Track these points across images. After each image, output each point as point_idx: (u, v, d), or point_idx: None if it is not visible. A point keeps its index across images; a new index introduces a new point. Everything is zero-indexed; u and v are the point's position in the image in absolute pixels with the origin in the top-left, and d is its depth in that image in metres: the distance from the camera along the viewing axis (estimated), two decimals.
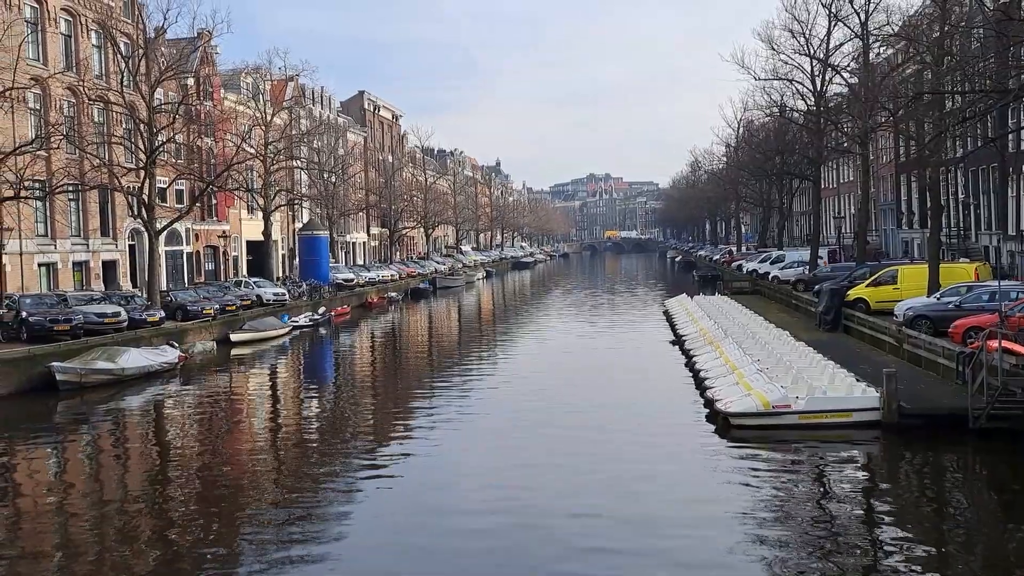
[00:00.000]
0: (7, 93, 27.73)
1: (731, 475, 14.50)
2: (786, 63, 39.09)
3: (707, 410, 18.81)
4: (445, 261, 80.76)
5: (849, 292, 28.61)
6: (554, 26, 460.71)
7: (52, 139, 30.67)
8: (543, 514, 12.89)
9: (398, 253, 77.54)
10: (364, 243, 72.97)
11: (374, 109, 78.94)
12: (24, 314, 25.83)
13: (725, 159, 72.51)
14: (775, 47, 38.40)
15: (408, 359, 33.08)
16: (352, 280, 52.40)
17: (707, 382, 20.60)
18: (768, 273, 45.09)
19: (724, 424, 17.37)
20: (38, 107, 33.26)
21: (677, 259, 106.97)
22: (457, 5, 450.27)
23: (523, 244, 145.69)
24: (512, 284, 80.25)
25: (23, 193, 28.00)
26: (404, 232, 77.49)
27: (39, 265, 33.20)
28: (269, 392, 26.16)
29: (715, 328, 28.37)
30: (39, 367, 23.50)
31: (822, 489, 14.28)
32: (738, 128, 63.81)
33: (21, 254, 31.67)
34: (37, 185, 31.01)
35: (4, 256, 29.46)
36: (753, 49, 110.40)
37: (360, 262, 68.15)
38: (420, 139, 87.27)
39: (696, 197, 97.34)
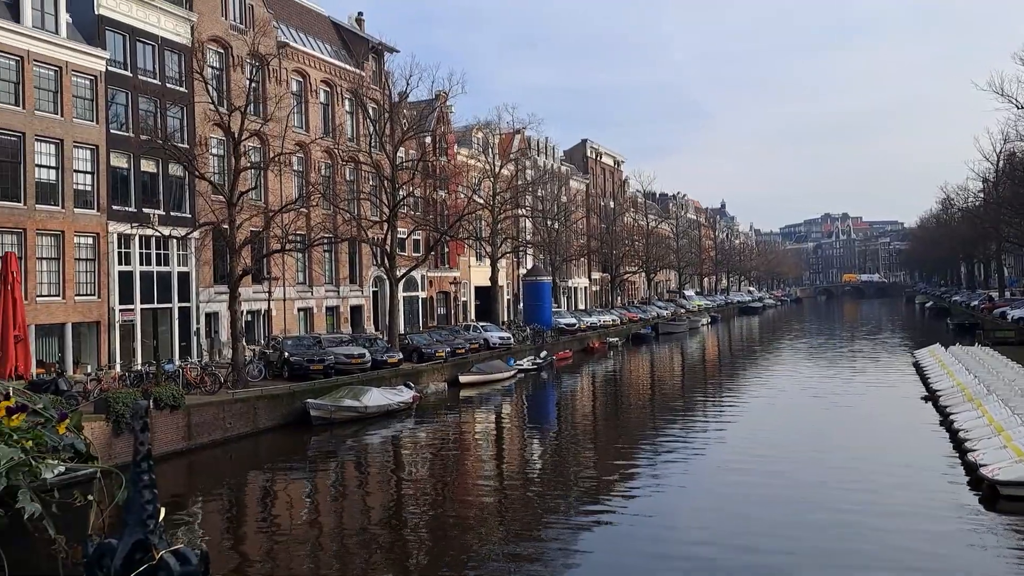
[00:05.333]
0: (277, 158, 31.50)
1: (1002, 554, 12.72)
2: None
3: (968, 476, 16.73)
4: (667, 306, 79.61)
5: None
6: (780, 62, 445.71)
7: (312, 197, 34.36)
8: None
9: (619, 298, 77.64)
10: (585, 288, 73.92)
11: (596, 156, 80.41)
12: (286, 354, 28.84)
13: (982, 195, 65.42)
14: None
15: (629, 404, 32.75)
16: (574, 325, 53.14)
17: (968, 444, 18.35)
18: None
19: (990, 493, 15.32)
20: (301, 169, 37.46)
21: (927, 305, 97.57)
22: (680, 48, 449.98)
23: (751, 288, 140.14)
24: (739, 330, 77.25)
25: (287, 246, 31.49)
26: (625, 277, 77.57)
27: (299, 309, 37.07)
28: (495, 432, 27.00)
29: (975, 383, 25.35)
30: (297, 403, 26.03)
31: None
32: (998, 161, 57.51)
33: (284, 300, 35.58)
34: (298, 238, 34.77)
35: (271, 302, 33.20)
36: (1014, 74, 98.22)
37: (581, 307, 69.06)
38: (642, 183, 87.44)
39: (948, 237, 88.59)
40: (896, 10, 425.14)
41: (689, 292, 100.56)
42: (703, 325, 77.50)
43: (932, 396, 27.00)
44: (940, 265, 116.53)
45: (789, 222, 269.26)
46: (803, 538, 13.82)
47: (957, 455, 18.65)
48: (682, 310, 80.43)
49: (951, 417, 22.19)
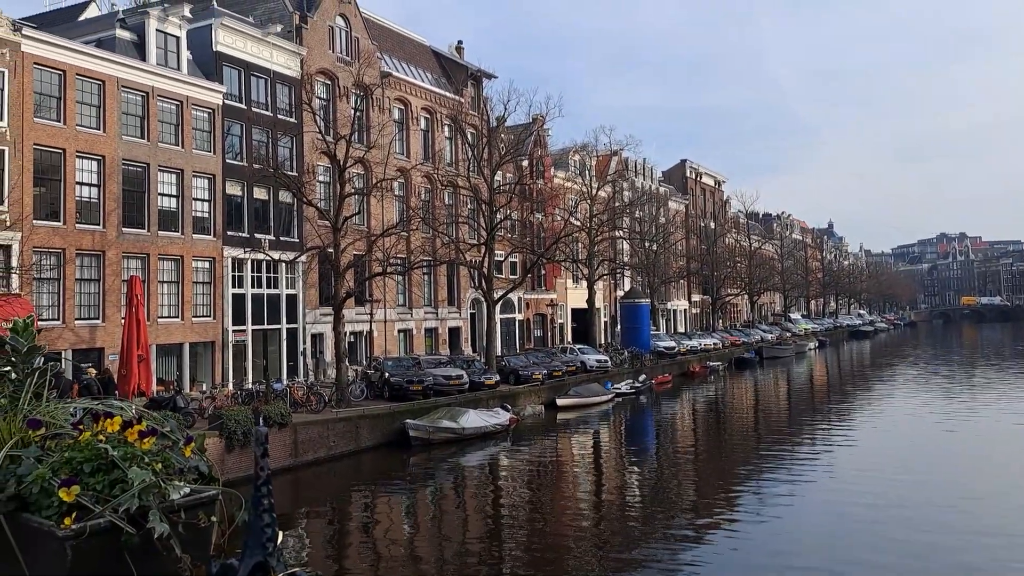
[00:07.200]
0: (379, 184, 32.43)
1: None
2: None
3: None
4: (772, 330, 77.11)
5: None
6: (890, 77, 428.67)
7: (412, 221, 35.18)
8: None
9: (721, 321, 75.83)
10: (685, 310, 72.57)
11: (696, 176, 79.19)
12: (387, 375, 29.48)
13: None
14: None
15: (732, 431, 31.82)
16: (673, 348, 52.19)
17: None
18: None
19: None
20: (401, 194, 38.44)
21: None
22: (784, 66, 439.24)
23: (861, 311, 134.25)
24: (849, 355, 74.08)
25: (389, 269, 32.28)
26: (727, 299, 75.77)
27: (399, 331, 37.88)
28: (593, 457, 26.73)
29: None
30: (397, 423, 26.53)
31: None
32: None
33: (385, 322, 36.45)
34: (399, 262, 35.62)
35: (373, 323, 34.07)
36: None
37: (681, 330, 67.80)
38: (744, 204, 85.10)
39: None
40: (1016, 18, 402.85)
41: (795, 315, 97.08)
42: (810, 350, 74.72)
43: None
44: None
45: (901, 242, 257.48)
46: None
47: None
48: (788, 334, 77.74)
49: None
